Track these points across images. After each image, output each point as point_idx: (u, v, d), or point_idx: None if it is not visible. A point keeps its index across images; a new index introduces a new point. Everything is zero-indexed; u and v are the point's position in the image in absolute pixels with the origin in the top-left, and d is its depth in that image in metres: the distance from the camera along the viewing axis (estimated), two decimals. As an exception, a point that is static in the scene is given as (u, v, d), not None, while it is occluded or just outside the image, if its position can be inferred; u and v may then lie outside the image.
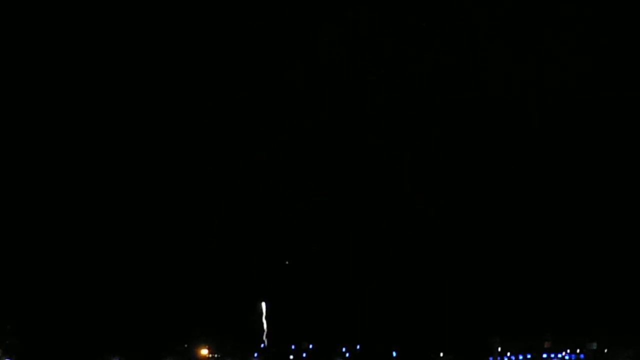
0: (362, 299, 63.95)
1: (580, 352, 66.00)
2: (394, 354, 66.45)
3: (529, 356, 66.58)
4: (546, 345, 66.40)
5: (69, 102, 62.17)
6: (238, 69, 64.13)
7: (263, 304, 64.44)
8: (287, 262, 64.47)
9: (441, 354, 66.83)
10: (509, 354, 66.79)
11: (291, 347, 66.49)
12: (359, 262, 64.35)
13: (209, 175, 63.15)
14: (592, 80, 61.57)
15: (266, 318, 64.39)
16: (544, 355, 66.33)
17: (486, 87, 63.60)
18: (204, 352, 65.32)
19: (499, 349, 66.65)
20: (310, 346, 66.57)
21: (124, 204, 62.79)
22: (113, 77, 62.08)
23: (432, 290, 64.10)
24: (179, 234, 62.27)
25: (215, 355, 65.96)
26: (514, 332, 66.08)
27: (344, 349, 66.53)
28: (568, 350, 66.30)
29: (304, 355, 66.37)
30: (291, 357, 66.29)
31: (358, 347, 66.48)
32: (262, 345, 65.83)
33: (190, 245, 62.23)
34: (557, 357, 66.26)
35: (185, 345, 65.02)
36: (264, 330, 64.97)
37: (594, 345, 65.47)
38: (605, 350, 65.05)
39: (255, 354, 65.95)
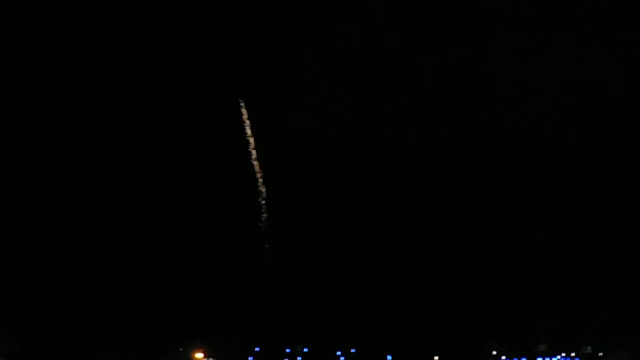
0: (357, 303, 64.23)
1: (575, 356, 66.28)
2: (389, 357, 66.67)
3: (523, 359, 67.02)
4: (541, 348, 66.74)
5: (68, 102, 62.19)
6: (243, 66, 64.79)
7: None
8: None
9: (436, 358, 67.09)
10: (504, 357, 67.09)
11: (286, 350, 66.61)
12: (353, 265, 64.63)
13: (207, 177, 63.18)
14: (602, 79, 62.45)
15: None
16: (539, 359, 66.61)
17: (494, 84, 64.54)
18: (199, 355, 65.30)
19: (494, 353, 67.00)
20: (305, 350, 66.67)
21: (120, 206, 62.76)
22: (115, 78, 62.35)
23: (427, 294, 64.51)
24: (176, 238, 62.19)
25: (210, 359, 65.92)
26: (509, 336, 66.44)
27: (339, 353, 66.67)
28: (563, 354, 66.59)
29: (299, 359, 66.51)
30: (286, 360, 66.58)
31: (353, 350, 66.60)
32: (256, 349, 65.98)
33: (186, 250, 62.23)
34: (552, 361, 66.95)
35: (181, 349, 65.00)
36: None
37: (589, 349, 65.70)
38: (600, 354, 65.33)
39: (250, 358, 66.03)
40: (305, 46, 64.37)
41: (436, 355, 67.13)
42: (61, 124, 61.90)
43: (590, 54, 61.99)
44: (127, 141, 62.41)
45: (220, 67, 63.77)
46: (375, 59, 64.70)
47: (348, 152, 64.46)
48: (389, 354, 66.67)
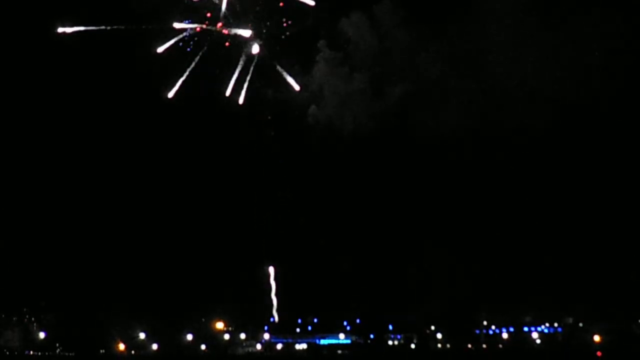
0: (361, 280, 67.90)
1: (558, 326, 71.04)
2: (390, 327, 72.62)
3: (511, 329, 71.98)
4: (527, 319, 71.58)
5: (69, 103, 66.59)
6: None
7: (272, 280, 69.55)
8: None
9: (432, 327, 72.76)
10: (493, 327, 72.34)
11: (298, 320, 72.63)
12: (357, 246, 68.19)
13: (221, 159, 67.23)
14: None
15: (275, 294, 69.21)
16: (525, 329, 71.68)
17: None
18: (220, 325, 71.09)
19: (485, 323, 72.32)
20: (315, 320, 72.68)
21: (144, 191, 67.42)
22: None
23: (426, 272, 67.40)
24: (205, 225, 66.87)
25: (230, 329, 71.72)
26: (499, 308, 70.89)
27: (345, 323, 72.51)
28: (547, 324, 71.44)
29: (310, 328, 72.49)
30: (298, 330, 72.41)
31: (358, 321, 72.37)
32: (271, 320, 71.54)
33: (210, 235, 66.76)
34: (537, 330, 71.59)
35: (203, 320, 70.93)
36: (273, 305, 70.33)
37: (570, 320, 70.28)
38: (580, 325, 69.78)
39: (266, 327, 71.94)
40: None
41: (432, 324, 72.94)
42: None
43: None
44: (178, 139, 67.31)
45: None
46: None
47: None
48: (390, 324, 72.72)
